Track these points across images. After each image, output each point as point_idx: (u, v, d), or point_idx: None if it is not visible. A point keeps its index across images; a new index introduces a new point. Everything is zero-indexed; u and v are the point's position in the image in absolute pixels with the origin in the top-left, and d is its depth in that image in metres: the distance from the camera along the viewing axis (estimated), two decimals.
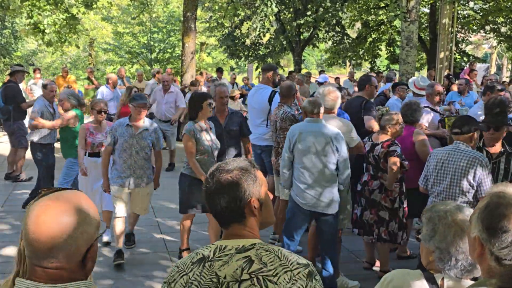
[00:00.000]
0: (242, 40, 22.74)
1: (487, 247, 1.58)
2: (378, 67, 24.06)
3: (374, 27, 22.96)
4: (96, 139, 5.99)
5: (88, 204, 1.49)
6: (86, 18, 23.28)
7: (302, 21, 21.06)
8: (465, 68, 15.19)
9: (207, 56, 34.03)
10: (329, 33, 22.72)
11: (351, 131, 5.09)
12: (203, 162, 5.13)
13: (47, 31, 14.86)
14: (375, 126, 5.88)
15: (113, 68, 26.99)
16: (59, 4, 14.98)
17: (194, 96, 5.53)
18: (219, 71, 16.22)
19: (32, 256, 1.42)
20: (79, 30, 17.05)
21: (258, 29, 20.51)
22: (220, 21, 22.89)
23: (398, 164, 4.82)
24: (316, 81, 13.39)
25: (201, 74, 15.52)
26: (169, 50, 27.61)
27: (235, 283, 1.72)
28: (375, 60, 23.79)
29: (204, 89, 13.69)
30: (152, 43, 27.73)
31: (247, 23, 21.61)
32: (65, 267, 1.42)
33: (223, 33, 23.79)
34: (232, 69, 32.14)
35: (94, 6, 16.53)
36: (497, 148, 4.65)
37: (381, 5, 20.03)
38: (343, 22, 22.46)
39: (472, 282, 1.97)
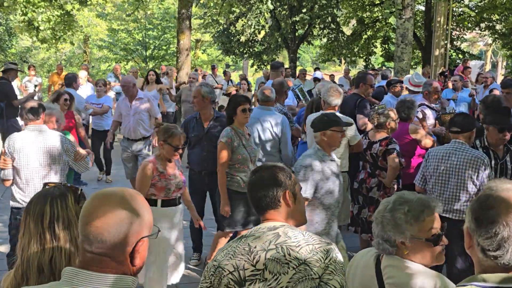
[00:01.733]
0: (237, 37, 22.73)
1: (474, 237, 1.63)
2: (373, 64, 24.07)
3: (369, 24, 22.96)
4: (170, 182, 4.28)
5: (143, 204, 1.59)
6: (80, 15, 23.17)
7: (297, 18, 21.09)
8: (459, 65, 15.25)
9: (202, 53, 34.00)
10: (324, 30, 22.75)
11: (351, 129, 5.06)
12: (242, 171, 4.77)
13: (41, 28, 14.83)
14: (368, 124, 5.89)
15: (108, 65, 26.94)
16: (54, 1, 14.93)
17: (231, 99, 5.08)
18: (214, 68, 16.20)
19: (84, 240, 1.52)
20: (74, 27, 16.96)
21: (253, 26, 20.52)
22: (215, 18, 22.88)
23: (397, 161, 4.83)
24: (313, 77, 13.39)
25: (196, 71, 15.47)
26: (164, 47, 27.58)
27: (263, 252, 2.04)
28: (370, 57, 23.81)
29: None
30: (147, 40, 27.68)
31: (242, 20, 21.60)
32: (112, 255, 1.50)
33: (218, 29, 23.78)
34: (227, 66, 32.12)
35: (89, 2, 16.50)
36: (500, 148, 4.65)
37: (376, 2, 20.05)
38: (338, 19, 22.49)
39: (407, 260, 2.17)
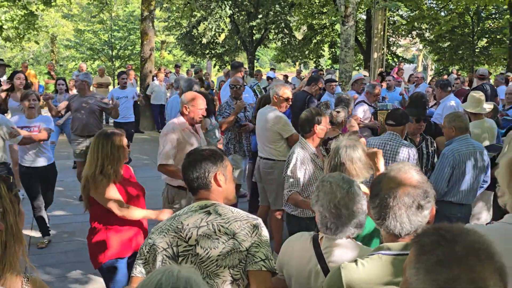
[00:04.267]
0: (200, 39, 22.92)
1: (371, 209, 1.77)
2: (322, 66, 24.82)
3: (318, 30, 23.69)
4: None
5: None
6: (47, 15, 22.76)
7: (254, 23, 21.48)
8: (394, 67, 16.09)
9: (168, 53, 33.91)
10: (278, 35, 23.25)
11: (278, 123, 5.12)
12: None
13: (4, 27, 14.43)
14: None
15: (75, 64, 26.49)
16: (17, 1, 14.56)
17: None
18: (177, 67, 16.44)
19: None
20: (38, 26, 16.61)
21: (213, 29, 20.75)
22: (177, 21, 22.98)
23: None
24: (266, 76, 13.88)
25: (159, 69, 15.68)
26: (129, 47, 27.35)
27: (195, 229, 2.06)
28: (319, 59, 24.53)
29: (163, 84, 13.96)
30: (113, 40, 27.37)
31: (204, 24, 21.81)
32: None
33: (181, 32, 23.88)
34: (192, 66, 32.19)
35: (53, 3, 16.11)
36: (417, 136, 4.98)
37: (324, 11, 20.70)
38: (290, 25, 23.05)
39: (350, 240, 2.15)
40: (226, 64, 23.24)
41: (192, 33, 23.03)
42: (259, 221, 2.11)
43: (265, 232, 2.09)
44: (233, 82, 6.30)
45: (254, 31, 22.84)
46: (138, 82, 15.83)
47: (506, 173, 1.87)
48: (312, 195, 2.24)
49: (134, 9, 28.40)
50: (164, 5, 21.50)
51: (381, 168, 2.98)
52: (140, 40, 15.64)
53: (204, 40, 21.74)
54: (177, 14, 21.91)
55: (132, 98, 9.88)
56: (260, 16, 21.37)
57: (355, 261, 1.76)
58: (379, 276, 1.67)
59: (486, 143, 5.32)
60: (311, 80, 7.00)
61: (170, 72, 17.27)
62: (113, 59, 27.21)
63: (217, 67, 24.84)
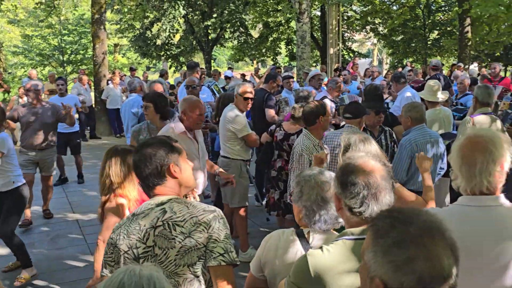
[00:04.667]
0: (154, 40, 22.65)
1: (342, 200, 1.79)
2: (280, 63, 25.03)
3: (274, 28, 23.86)
4: None
5: None
6: None
7: (209, 23, 21.42)
8: (349, 62, 16.42)
9: (122, 56, 33.33)
10: (234, 34, 23.29)
11: (233, 122, 5.13)
12: None
13: None
14: (277, 117, 6.39)
15: (24, 71, 25.60)
16: None
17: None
18: (132, 70, 16.18)
19: None
20: None
21: (167, 30, 20.56)
22: (130, 23, 22.63)
23: None
24: (224, 75, 13.85)
25: (114, 73, 15.38)
26: (81, 52, 26.68)
27: (152, 229, 2.02)
28: (277, 57, 24.72)
29: (119, 88, 13.69)
30: (63, 45, 26.63)
31: (157, 25, 21.57)
32: None
33: (135, 34, 23.53)
34: (148, 68, 31.75)
35: None
36: (376, 128, 5.02)
37: (279, 8, 20.87)
38: (246, 23, 23.13)
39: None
40: (182, 65, 23.09)
41: (146, 35, 22.74)
42: (217, 213, 2.06)
43: (222, 225, 2.04)
44: (188, 82, 6.28)
45: (209, 31, 22.78)
46: (93, 87, 15.48)
47: (458, 158, 1.95)
48: (293, 193, 2.25)
49: (84, 12, 27.72)
50: (115, 7, 21.11)
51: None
52: (92, 44, 15.28)
53: (159, 42, 21.51)
54: (129, 16, 21.58)
55: (74, 106, 9.16)
56: (214, 15, 21.33)
57: (321, 247, 1.79)
58: (344, 261, 1.72)
59: (441, 131, 5.50)
60: (268, 77, 7.05)
61: (125, 75, 16.99)
62: (65, 64, 26.49)
63: (173, 68, 24.63)
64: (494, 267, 1.89)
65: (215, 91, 8.77)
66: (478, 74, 12.22)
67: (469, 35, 17.92)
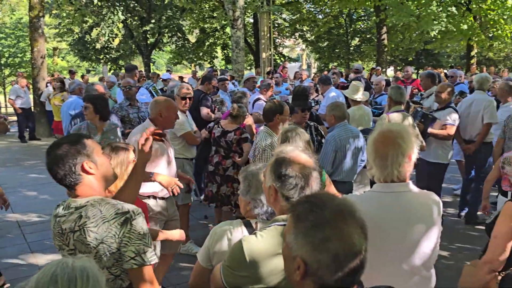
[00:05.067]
0: (93, 44, 21.84)
1: (279, 191, 1.81)
2: (216, 66, 24.98)
3: (210, 33, 23.79)
4: None
5: None
6: None
7: (147, 28, 20.97)
8: (280, 66, 16.69)
9: (61, 60, 31.83)
10: (172, 38, 22.96)
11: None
12: None
13: None
14: (212, 114, 6.36)
15: None
16: None
17: None
18: (71, 72, 15.50)
19: None
20: None
21: (107, 35, 19.92)
22: (69, 27, 21.68)
23: (250, 147, 5.16)
24: (162, 78, 13.62)
25: (53, 76, 14.69)
26: (19, 55, 25.18)
27: (72, 233, 1.92)
28: (213, 60, 24.66)
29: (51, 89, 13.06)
30: (0, 48, 25.01)
31: (97, 29, 20.82)
32: None
33: (74, 38, 22.58)
34: (88, 71, 30.50)
35: None
36: (303, 125, 5.06)
37: (214, 15, 20.83)
38: (183, 28, 22.87)
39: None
40: (122, 68, 22.47)
41: (85, 39, 21.90)
42: (130, 214, 1.92)
43: (136, 226, 1.91)
44: (123, 83, 6.14)
45: (148, 35, 22.31)
46: (31, 90, 14.70)
47: (372, 151, 2.05)
48: (240, 187, 2.23)
49: (21, 16, 26.19)
50: (53, 12, 20.12)
51: None
52: (30, 47, 14.49)
53: (98, 45, 20.80)
54: (67, 20, 20.65)
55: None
56: (153, 21, 20.93)
57: (255, 233, 1.81)
58: (275, 245, 1.73)
59: (361, 127, 5.74)
60: (204, 79, 7.04)
61: (65, 78, 16.25)
62: (2, 67, 24.89)
63: (111, 71, 23.89)
64: (404, 247, 2.00)
65: (153, 92, 8.61)
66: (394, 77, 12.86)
67: (386, 42, 18.79)
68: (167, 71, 21.07)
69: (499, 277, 2.29)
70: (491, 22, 16.55)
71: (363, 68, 13.72)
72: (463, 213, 6.01)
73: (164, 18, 21.01)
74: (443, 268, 4.20)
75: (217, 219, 5.64)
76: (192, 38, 25.53)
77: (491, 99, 5.85)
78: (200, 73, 21.17)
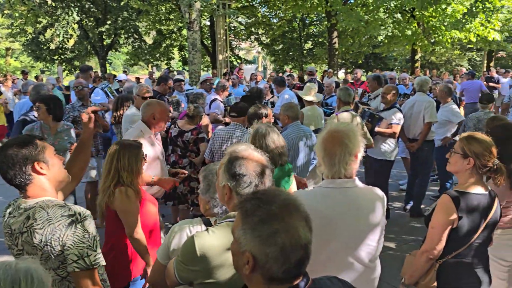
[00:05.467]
0: (47, 45, 21.00)
1: (234, 190, 1.80)
2: (173, 67, 24.67)
3: (167, 35, 23.47)
4: None
5: None
6: None
7: (103, 29, 20.42)
8: (236, 67, 16.73)
9: (14, 60, 30.44)
10: (129, 40, 22.48)
11: (129, 122, 4.97)
12: None
13: None
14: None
15: None
16: None
17: None
18: (24, 73, 14.86)
19: None
20: None
21: (61, 35, 19.23)
22: (22, 28, 20.76)
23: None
24: (117, 79, 13.29)
25: (5, 76, 14.01)
26: None
27: (20, 234, 1.89)
28: (170, 62, 24.36)
29: (11, 91, 12.49)
30: None
31: (51, 30, 20.05)
32: None
33: (27, 38, 21.64)
34: (42, 71, 29.33)
35: None
36: None
37: (171, 17, 20.60)
38: (140, 30, 22.43)
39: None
40: (77, 69, 21.77)
41: (39, 39, 21.03)
42: (76, 217, 1.88)
43: (81, 229, 1.87)
44: (75, 84, 5.98)
45: (104, 36, 21.72)
46: None
47: (321, 149, 2.11)
48: (200, 186, 2.22)
49: None
50: (6, 12, 19.19)
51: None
52: None
53: (52, 46, 20.03)
54: (20, 20, 19.76)
55: None
56: (108, 22, 20.41)
57: (207, 229, 1.81)
58: (227, 241, 1.69)
59: (313, 127, 5.86)
60: (160, 80, 6.98)
61: (18, 78, 15.56)
62: None
63: (66, 71, 23.10)
64: (350, 239, 2.06)
65: (108, 93, 8.41)
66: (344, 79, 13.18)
67: (337, 45, 19.22)
68: (124, 72, 20.62)
69: (437, 265, 2.40)
70: (433, 29, 17.27)
71: (316, 71, 13.98)
72: (408, 207, 6.25)
73: (120, 19, 20.53)
74: (390, 259, 4.35)
75: (174, 217, 5.62)
76: (149, 40, 25.09)
77: (431, 100, 6.11)
78: (158, 74, 20.87)
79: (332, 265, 2.03)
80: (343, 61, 26.54)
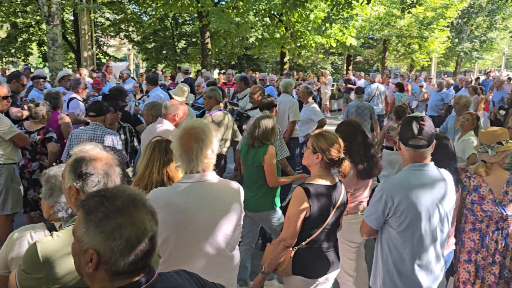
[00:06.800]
0: None
1: (81, 191, 1.78)
2: (31, 64, 22.55)
3: (24, 29, 21.37)
4: None
5: None
6: None
7: None
8: (104, 65, 15.94)
9: None
10: None
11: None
12: None
13: None
14: (24, 112, 5.77)
15: None
16: None
17: None
18: None
19: None
20: None
21: None
22: None
23: (56, 147, 4.92)
24: None
25: None
26: None
27: None
28: (28, 58, 22.24)
29: None
30: None
31: None
32: None
33: None
34: None
35: None
36: (115, 125, 5.06)
37: (27, 10, 18.83)
38: None
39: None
40: None
41: None
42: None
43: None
44: None
45: None
46: None
47: (178, 146, 2.17)
48: (42, 190, 2.18)
49: None
50: None
51: None
52: None
53: None
54: None
55: None
56: None
57: (51, 234, 1.77)
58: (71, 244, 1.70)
59: None
60: (11, 77, 6.44)
61: None
62: None
63: None
64: (208, 230, 2.16)
65: None
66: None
67: (210, 46, 19.45)
68: None
69: (293, 252, 2.60)
70: (299, 33, 18.50)
71: (191, 71, 14.00)
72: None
73: None
74: (259, 252, 4.58)
75: (29, 223, 5.20)
76: (2, 33, 22.58)
77: (294, 100, 6.57)
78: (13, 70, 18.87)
79: (193, 255, 2.11)
80: (217, 62, 26.98)
